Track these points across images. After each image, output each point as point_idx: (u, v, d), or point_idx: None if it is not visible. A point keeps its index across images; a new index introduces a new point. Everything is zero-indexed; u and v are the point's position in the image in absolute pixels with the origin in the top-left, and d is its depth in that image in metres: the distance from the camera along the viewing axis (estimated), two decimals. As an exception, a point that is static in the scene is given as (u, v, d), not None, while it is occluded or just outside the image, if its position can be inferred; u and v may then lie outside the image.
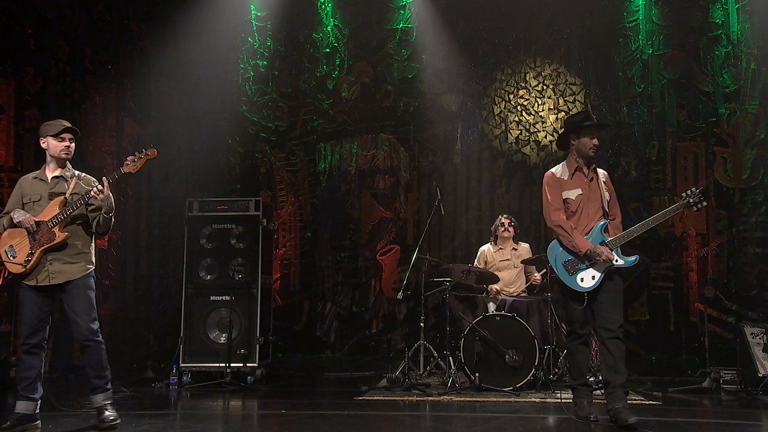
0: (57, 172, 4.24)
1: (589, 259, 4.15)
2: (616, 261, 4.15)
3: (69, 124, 4.25)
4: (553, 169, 4.44)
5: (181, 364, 6.09)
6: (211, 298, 6.25)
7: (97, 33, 7.05)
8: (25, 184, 4.27)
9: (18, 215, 4.10)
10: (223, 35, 7.96)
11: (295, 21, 8.30)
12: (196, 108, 7.90)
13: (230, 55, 8.24)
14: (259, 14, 8.27)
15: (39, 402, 4.09)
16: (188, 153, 7.90)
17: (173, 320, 6.65)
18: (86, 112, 6.56)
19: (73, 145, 4.24)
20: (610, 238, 4.20)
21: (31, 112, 6.18)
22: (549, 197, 4.32)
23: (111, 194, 4.09)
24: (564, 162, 4.42)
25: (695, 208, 4.22)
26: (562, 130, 4.59)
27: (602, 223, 4.24)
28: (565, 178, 4.33)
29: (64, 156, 4.22)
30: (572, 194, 4.28)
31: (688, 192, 4.21)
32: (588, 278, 4.16)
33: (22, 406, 4.04)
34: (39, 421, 4.11)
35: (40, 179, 4.24)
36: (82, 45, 6.86)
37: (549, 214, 4.32)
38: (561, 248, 4.26)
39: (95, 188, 4.07)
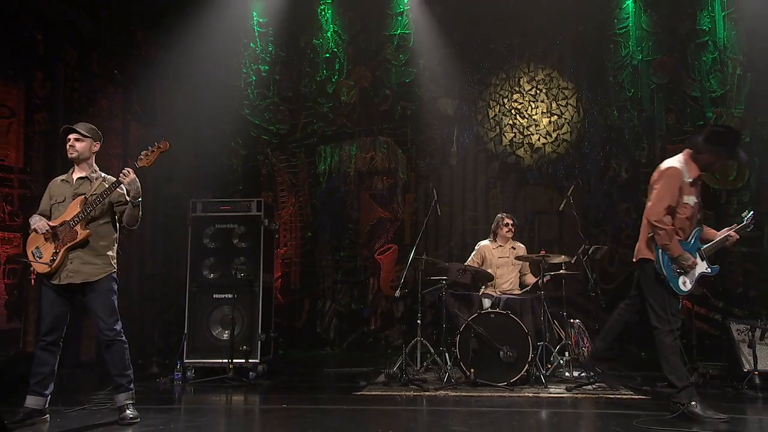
0: (82, 174, 4.25)
1: (676, 264, 4.13)
2: (706, 269, 4.25)
3: (75, 127, 4.25)
4: (678, 165, 4.18)
5: (185, 360, 6.11)
6: (214, 296, 6.26)
7: (103, 39, 7.06)
8: (53, 187, 4.29)
9: (33, 221, 4.11)
10: (225, 41, 7.97)
11: (296, 27, 8.31)
12: (200, 111, 7.91)
13: (233, 60, 8.25)
14: (260, 20, 8.29)
15: (49, 398, 4.11)
16: (192, 155, 7.91)
17: (177, 318, 6.66)
18: (93, 116, 6.56)
19: (78, 144, 4.20)
20: (704, 246, 4.28)
21: (41, 116, 6.19)
22: (667, 194, 4.10)
23: (137, 179, 4.09)
24: (685, 162, 4.22)
25: (747, 230, 4.38)
26: (714, 137, 4.23)
27: (699, 230, 4.32)
28: (688, 182, 4.19)
29: (69, 156, 4.23)
30: (690, 201, 4.21)
31: (747, 215, 4.36)
32: (689, 283, 4.21)
33: (32, 401, 4.05)
34: (48, 416, 4.13)
35: (66, 181, 4.26)
36: (90, 50, 6.87)
37: (658, 210, 4.10)
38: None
39: (123, 172, 4.06)
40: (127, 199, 4.18)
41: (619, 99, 7.74)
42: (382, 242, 8.04)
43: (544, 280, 5.79)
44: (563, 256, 5.87)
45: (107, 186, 4.15)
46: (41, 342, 4.10)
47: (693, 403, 4.09)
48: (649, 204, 4.21)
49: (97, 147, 4.32)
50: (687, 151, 4.28)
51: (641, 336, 7.38)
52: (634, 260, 4.46)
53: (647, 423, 3.97)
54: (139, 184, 4.10)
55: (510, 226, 6.27)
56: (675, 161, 4.24)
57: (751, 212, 4.40)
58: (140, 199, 4.13)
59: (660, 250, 4.17)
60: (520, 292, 6.21)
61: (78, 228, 4.07)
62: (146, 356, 6.70)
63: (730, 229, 4.38)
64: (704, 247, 4.30)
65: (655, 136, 7.61)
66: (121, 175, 4.07)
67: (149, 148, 4.19)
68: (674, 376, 4.17)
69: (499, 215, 6.40)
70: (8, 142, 5.86)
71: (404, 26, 8.16)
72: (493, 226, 6.40)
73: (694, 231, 4.30)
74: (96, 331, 4.22)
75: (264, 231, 6.40)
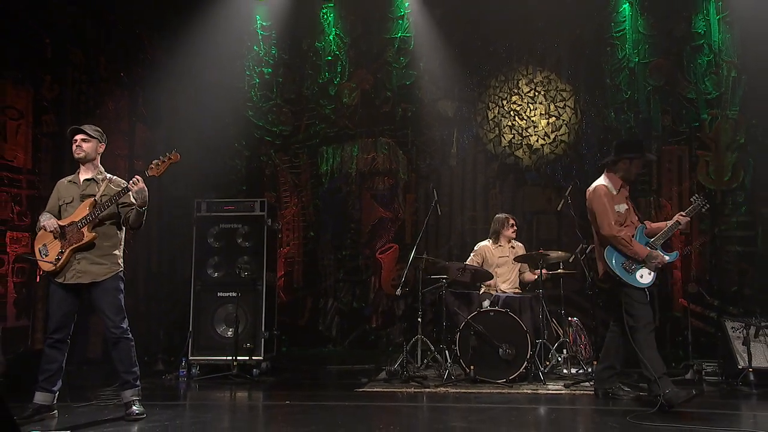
0: (89, 175, 4.26)
1: (644, 263, 4.41)
2: (665, 257, 4.50)
3: (82, 128, 4.27)
4: (602, 183, 4.65)
5: (190, 357, 6.13)
6: (219, 294, 6.28)
7: (110, 42, 7.08)
8: (60, 187, 4.31)
9: (43, 219, 4.13)
10: (229, 44, 7.98)
11: (299, 30, 8.32)
12: (204, 113, 7.92)
13: (236, 63, 8.26)
14: (264, 24, 8.30)
15: (57, 394, 4.13)
16: (196, 156, 7.90)
17: (182, 315, 6.68)
18: (100, 118, 6.57)
19: (85, 144, 4.22)
20: (652, 239, 4.54)
21: (48, 118, 6.21)
22: (607, 210, 4.51)
23: (145, 188, 4.10)
24: (605, 177, 4.70)
25: (703, 210, 4.74)
26: (619, 148, 4.75)
27: (641, 227, 4.63)
28: (615, 193, 4.62)
29: (76, 156, 4.24)
30: (621, 208, 4.59)
31: (695, 197, 4.74)
32: (646, 275, 4.44)
33: (40, 397, 4.07)
34: (56, 411, 4.15)
35: (73, 182, 4.28)
36: (97, 54, 6.89)
37: (607, 226, 4.48)
38: (616, 252, 4.48)
39: (132, 180, 4.06)
40: (134, 203, 4.19)
41: (616, 101, 7.74)
42: (383, 242, 8.04)
43: (543, 273, 5.80)
44: (560, 253, 5.89)
45: (116, 191, 4.17)
46: (49, 339, 4.12)
47: (668, 391, 4.20)
48: (598, 225, 4.56)
49: (102, 148, 4.34)
50: (606, 170, 4.76)
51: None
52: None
53: (639, 418, 3.98)
54: (146, 193, 4.09)
55: (515, 227, 6.31)
56: (599, 180, 4.71)
57: (701, 195, 4.80)
58: (145, 208, 4.13)
59: (607, 257, 4.48)
60: (519, 290, 6.21)
61: (85, 230, 4.09)
62: (152, 353, 6.72)
63: (679, 215, 4.66)
64: (652, 240, 4.55)
65: (652, 138, 7.60)
66: (130, 183, 4.08)
67: (160, 158, 4.18)
68: (648, 370, 4.29)
69: (502, 216, 6.39)
70: (17, 144, 5.88)
71: (405, 29, 8.17)
72: (495, 226, 6.37)
73: (636, 230, 4.57)
74: (103, 329, 4.23)
75: (267, 230, 6.41)
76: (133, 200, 4.12)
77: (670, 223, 4.62)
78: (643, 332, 4.34)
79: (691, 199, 4.78)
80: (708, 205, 4.72)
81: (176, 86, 7.73)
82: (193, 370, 6.06)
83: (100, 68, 6.96)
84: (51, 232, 4.07)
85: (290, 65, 8.37)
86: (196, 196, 6.89)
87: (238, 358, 5.93)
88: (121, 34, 7.24)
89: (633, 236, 4.53)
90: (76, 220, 4.10)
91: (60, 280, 4.10)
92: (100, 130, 4.35)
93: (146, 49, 7.62)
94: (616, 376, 4.80)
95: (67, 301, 4.12)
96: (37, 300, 5.88)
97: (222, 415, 4.63)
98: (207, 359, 6.14)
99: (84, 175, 4.26)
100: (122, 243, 4.30)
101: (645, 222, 4.74)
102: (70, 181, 4.30)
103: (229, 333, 6.14)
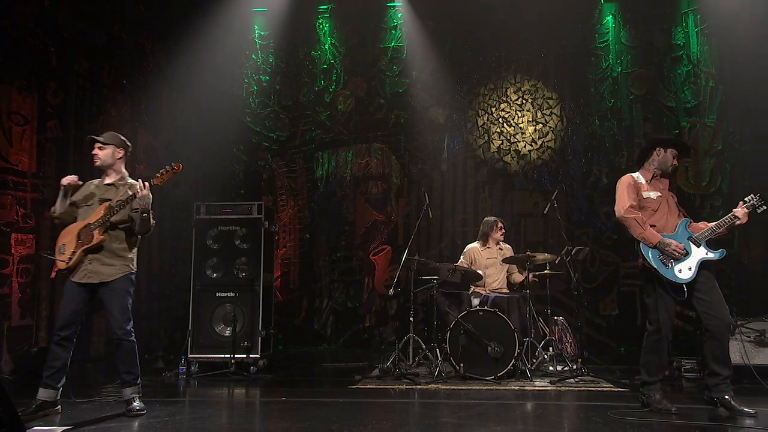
0: (111, 180, 4.29)
1: (660, 251, 4.06)
2: (707, 254, 4.10)
3: (96, 137, 4.29)
4: (631, 174, 4.37)
5: (189, 356, 6.11)
6: (217, 294, 6.27)
7: (113, 51, 7.07)
8: (85, 188, 4.34)
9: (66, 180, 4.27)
10: (228, 52, 8.01)
11: (296, 39, 8.35)
12: (204, 119, 7.93)
13: (235, 71, 8.28)
14: (262, 33, 8.33)
15: (60, 390, 4.11)
16: (196, 160, 7.92)
17: (182, 315, 6.67)
18: (103, 124, 6.57)
19: (101, 152, 4.25)
20: (696, 234, 4.16)
21: (53, 124, 6.20)
22: (623, 194, 4.22)
23: (149, 195, 4.11)
24: (639, 172, 4.38)
25: (758, 211, 4.16)
26: (647, 144, 4.45)
27: (686, 220, 4.25)
28: (643, 182, 4.31)
29: (94, 164, 4.28)
30: (653, 195, 4.25)
31: (751, 197, 4.16)
32: (685, 269, 4.06)
33: (44, 393, 4.05)
34: (59, 407, 4.13)
35: (97, 186, 4.31)
36: (100, 62, 6.88)
37: (619, 208, 4.19)
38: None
39: (138, 186, 4.10)
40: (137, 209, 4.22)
41: (600, 109, 7.81)
42: (376, 243, 8.07)
43: (530, 277, 5.81)
44: (547, 255, 5.92)
45: (128, 195, 4.20)
46: (56, 336, 4.10)
47: (652, 395, 4.15)
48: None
49: (120, 153, 4.32)
50: (640, 165, 4.47)
51: (620, 332, 7.46)
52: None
53: (620, 414, 4.02)
54: (149, 200, 4.12)
55: (503, 230, 6.33)
56: (632, 174, 4.40)
57: (758, 194, 4.19)
58: (146, 215, 4.15)
59: (643, 249, 4.12)
60: (507, 291, 6.24)
61: (96, 232, 4.10)
62: (152, 351, 6.70)
63: (736, 210, 4.15)
64: (696, 235, 4.15)
65: (634, 144, 7.67)
66: (137, 188, 4.12)
67: (165, 168, 4.22)
68: (644, 369, 4.23)
69: (491, 219, 6.39)
70: (22, 149, 5.87)
71: (398, 39, 8.21)
72: (484, 228, 6.37)
73: (680, 222, 4.22)
74: (105, 328, 4.23)
75: (264, 233, 6.41)
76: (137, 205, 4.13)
77: (721, 220, 4.17)
78: (651, 338, 4.15)
79: (746, 198, 4.17)
80: (765, 207, 4.14)
81: (177, 93, 7.73)
82: (193, 368, 6.05)
83: (104, 75, 6.95)
84: (66, 184, 4.18)
85: (287, 73, 8.39)
86: (195, 199, 6.89)
87: (236, 356, 5.91)
88: (125, 43, 7.24)
89: (675, 230, 4.16)
90: (91, 222, 4.11)
91: (74, 279, 4.13)
92: (118, 135, 4.35)
93: (148, 58, 7.62)
94: (728, 380, 4.09)
95: (77, 300, 4.12)
96: (41, 300, 5.86)
97: (220, 412, 4.62)
98: (206, 357, 6.12)
99: (107, 180, 4.30)
100: (136, 246, 4.30)
101: (690, 220, 4.32)
102: (95, 185, 4.33)
103: (228, 332, 6.13)
